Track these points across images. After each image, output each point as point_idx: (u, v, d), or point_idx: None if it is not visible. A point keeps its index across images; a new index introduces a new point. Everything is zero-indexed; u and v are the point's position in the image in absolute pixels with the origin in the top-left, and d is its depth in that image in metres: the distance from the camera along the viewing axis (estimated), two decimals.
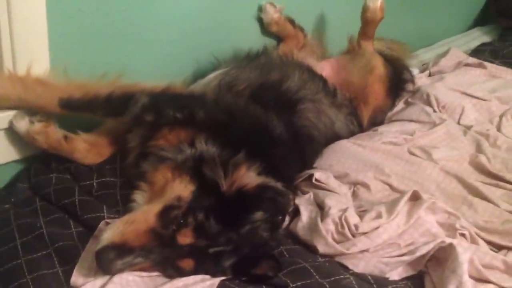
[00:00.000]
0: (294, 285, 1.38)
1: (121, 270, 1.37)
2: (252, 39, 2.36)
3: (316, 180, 1.79)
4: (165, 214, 1.43)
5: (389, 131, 2.18)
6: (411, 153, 2.02)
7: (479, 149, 2.11)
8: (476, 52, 3.03)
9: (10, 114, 1.68)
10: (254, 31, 2.41)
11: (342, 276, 1.42)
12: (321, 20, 2.66)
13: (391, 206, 1.61)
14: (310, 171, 1.84)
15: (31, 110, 1.69)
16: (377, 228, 1.54)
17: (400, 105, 2.45)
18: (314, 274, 1.42)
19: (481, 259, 1.47)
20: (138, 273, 1.40)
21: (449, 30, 3.54)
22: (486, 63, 2.75)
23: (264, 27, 2.40)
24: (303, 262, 1.47)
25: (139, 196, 1.59)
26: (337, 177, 1.86)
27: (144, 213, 1.45)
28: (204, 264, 1.42)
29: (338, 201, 1.67)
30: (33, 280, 1.39)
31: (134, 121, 1.65)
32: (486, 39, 3.37)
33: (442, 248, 1.47)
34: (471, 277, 1.41)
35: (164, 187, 1.53)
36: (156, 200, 1.51)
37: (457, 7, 3.57)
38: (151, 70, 2.06)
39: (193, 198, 1.46)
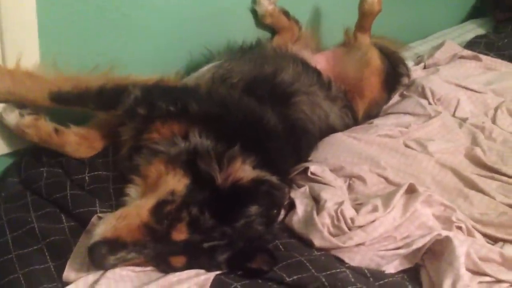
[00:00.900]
0: (290, 279, 1.37)
1: (114, 266, 1.35)
2: (246, 31, 2.33)
3: (311, 173, 1.78)
4: (158, 208, 1.41)
5: (384, 124, 2.16)
6: (407, 146, 2.01)
7: (474, 141, 2.10)
8: (471, 45, 3.01)
9: None
10: (248, 23, 2.39)
11: (338, 270, 1.41)
12: (316, 12, 2.64)
13: (387, 199, 1.60)
14: (306, 164, 1.83)
15: (21, 103, 1.66)
16: (373, 221, 1.52)
17: (395, 97, 2.43)
18: (310, 267, 1.40)
19: (477, 252, 1.46)
20: (131, 268, 1.39)
21: (444, 23, 3.53)
22: (481, 56, 2.74)
23: (258, 19, 2.37)
24: (298, 255, 1.46)
25: (132, 190, 1.57)
26: (332, 170, 1.85)
27: (137, 207, 1.43)
28: (199, 259, 1.40)
29: (334, 194, 1.65)
30: (25, 275, 1.37)
31: (126, 114, 1.63)
32: (480, 31, 3.35)
33: (438, 241, 1.46)
34: (467, 270, 1.41)
35: (157, 181, 1.51)
36: (149, 194, 1.49)
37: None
38: (144, 62, 2.02)
39: (187, 192, 1.44)
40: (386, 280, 1.41)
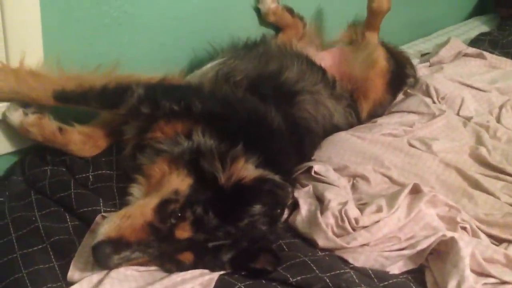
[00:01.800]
0: (293, 280, 1.37)
1: (118, 265, 1.35)
2: (250, 28, 2.32)
3: (315, 172, 1.77)
4: (162, 208, 1.40)
5: (388, 123, 2.16)
6: (411, 145, 2.00)
7: (479, 140, 2.09)
8: (475, 42, 3.01)
9: (3, 105, 1.65)
10: (252, 20, 2.38)
11: (342, 271, 1.41)
12: (321, 9, 2.62)
13: (392, 199, 1.59)
14: (309, 164, 1.82)
15: (25, 102, 1.65)
16: (377, 221, 1.52)
17: (399, 96, 2.42)
18: (314, 268, 1.40)
19: (482, 253, 1.46)
20: (135, 267, 1.38)
21: (447, 20, 3.52)
22: (485, 53, 2.73)
23: (262, 17, 2.36)
24: (302, 256, 1.46)
25: (135, 189, 1.56)
26: (336, 169, 1.84)
27: (141, 207, 1.43)
28: (203, 259, 1.40)
29: (338, 194, 1.65)
30: (29, 275, 1.37)
31: (130, 113, 1.62)
32: (484, 28, 3.35)
33: (443, 242, 1.46)
34: (472, 271, 1.41)
35: (161, 180, 1.51)
36: (153, 193, 1.48)
37: None
38: (146, 59, 2.02)
39: (190, 192, 1.43)
40: (390, 281, 1.40)
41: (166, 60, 2.07)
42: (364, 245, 1.50)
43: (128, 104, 1.60)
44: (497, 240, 1.61)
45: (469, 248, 1.42)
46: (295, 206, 1.69)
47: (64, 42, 1.75)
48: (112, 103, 1.63)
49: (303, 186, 1.77)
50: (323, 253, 1.51)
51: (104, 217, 1.49)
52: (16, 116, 1.64)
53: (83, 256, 1.42)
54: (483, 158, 1.96)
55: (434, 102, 2.32)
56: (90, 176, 1.69)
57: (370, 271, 1.43)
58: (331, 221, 1.54)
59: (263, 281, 1.39)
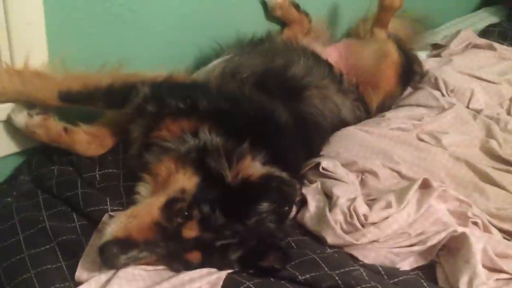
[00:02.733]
0: (302, 278, 1.36)
1: (125, 265, 1.34)
2: (256, 24, 2.31)
3: (323, 168, 1.76)
4: (169, 207, 1.39)
5: (396, 117, 2.13)
6: (420, 139, 1.98)
7: (489, 133, 2.07)
8: (485, 33, 2.97)
9: (8, 106, 1.65)
10: (258, 15, 2.36)
11: (351, 268, 1.39)
12: (327, 5, 2.60)
13: (401, 195, 1.57)
14: (317, 160, 1.81)
15: (30, 103, 1.65)
16: (386, 218, 1.50)
17: (407, 89, 2.39)
18: (323, 265, 1.39)
19: (494, 248, 1.44)
20: (143, 267, 1.38)
21: (456, 11, 3.47)
22: (495, 45, 2.70)
23: (268, 11, 2.34)
24: (311, 253, 1.44)
25: (142, 188, 1.56)
26: (344, 165, 1.82)
27: (148, 206, 1.42)
28: (211, 257, 1.39)
29: (346, 190, 1.63)
30: (37, 275, 1.37)
31: (136, 112, 1.62)
32: (493, 19, 3.30)
33: (454, 238, 1.44)
34: (484, 266, 1.39)
35: (168, 178, 1.50)
36: (160, 192, 1.48)
37: None
38: (152, 57, 2.01)
39: (197, 190, 1.42)
40: (400, 278, 1.39)
41: (171, 58, 2.06)
42: (374, 241, 1.49)
43: (134, 103, 1.59)
44: (509, 235, 1.59)
45: (480, 243, 1.40)
46: (303, 202, 1.67)
47: (68, 41, 1.74)
48: (118, 103, 1.62)
49: (311, 182, 1.75)
50: (332, 250, 1.49)
51: (111, 217, 1.49)
52: (21, 118, 1.64)
53: (90, 255, 1.41)
54: (493, 151, 1.94)
55: (443, 95, 2.29)
56: (97, 175, 1.69)
57: (380, 268, 1.42)
58: (340, 217, 1.53)
59: (272, 279, 1.38)
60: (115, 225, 1.35)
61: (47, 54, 1.67)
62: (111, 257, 1.31)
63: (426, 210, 1.54)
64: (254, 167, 1.47)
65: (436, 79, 2.36)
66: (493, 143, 1.96)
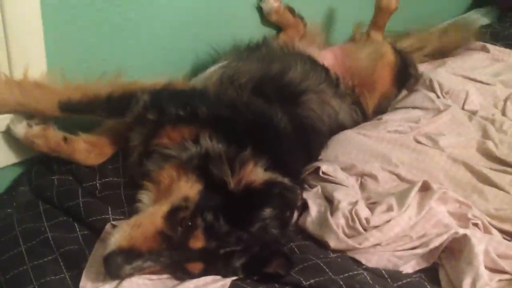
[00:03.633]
0: (307, 283, 1.36)
1: (130, 275, 1.34)
2: (252, 29, 2.31)
3: (323, 173, 1.76)
4: (172, 215, 1.39)
5: (393, 119, 2.14)
6: (417, 141, 2.00)
7: (485, 134, 2.08)
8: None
9: (7, 116, 1.64)
10: (254, 21, 2.37)
11: (355, 272, 1.40)
12: (322, 9, 2.61)
13: (401, 197, 1.58)
14: (317, 164, 1.81)
15: (29, 113, 1.64)
16: (388, 221, 1.51)
17: (403, 92, 2.41)
18: (327, 270, 1.39)
19: (496, 249, 1.45)
20: (148, 276, 1.38)
21: (447, 13, 3.49)
22: (488, 46, 2.72)
23: (264, 17, 2.35)
24: (314, 258, 1.45)
25: (144, 196, 1.55)
26: (343, 168, 1.83)
27: (151, 215, 1.42)
28: (215, 265, 1.39)
29: (347, 194, 1.64)
30: (40, 286, 1.36)
31: (136, 120, 1.62)
32: (484, 21, 3.33)
33: (455, 239, 1.45)
34: (486, 267, 1.40)
35: (170, 186, 1.50)
36: (162, 199, 1.48)
37: None
38: (150, 65, 2.01)
39: (200, 198, 1.42)
40: (404, 281, 1.40)
41: (169, 65, 2.06)
42: (376, 245, 1.50)
43: (134, 111, 1.59)
44: (509, 235, 1.60)
45: (482, 244, 1.41)
46: (304, 207, 1.68)
47: (66, 51, 1.74)
48: (118, 112, 1.62)
49: (312, 187, 1.76)
50: (335, 255, 1.50)
51: (113, 226, 1.49)
52: (20, 128, 1.63)
53: (94, 266, 1.41)
54: (490, 152, 1.96)
55: (438, 97, 2.30)
56: (98, 184, 1.68)
57: (383, 271, 1.43)
58: (342, 221, 1.54)
59: (276, 285, 1.38)
60: (119, 235, 1.35)
61: (45, 65, 1.66)
62: (116, 267, 1.30)
63: (427, 212, 1.55)
64: (256, 173, 1.47)
65: (431, 81, 2.37)
66: (490, 144, 1.98)
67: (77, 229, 1.54)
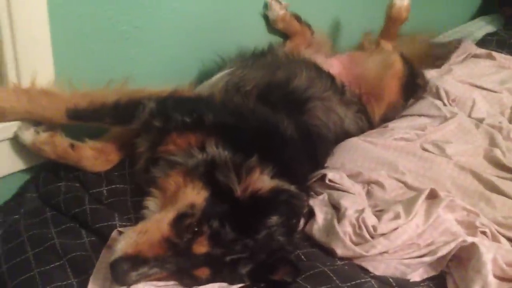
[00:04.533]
0: None
1: (136, 282, 1.33)
2: (258, 37, 2.33)
3: (329, 180, 1.76)
4: (178, 222, 1.39)
5: (399, 127, 2.14)
6: (424, 149, 1.99)
7: (492, 142, 2.08)
8: (482, 43, 2.99)
9: (14, 124, 1.65)
10: (260, 28, 2.38)
11: (362, 280, 1.39)
12: (328, 17, 2.62)
13: (409, 205, 1.58)
14: (323, 171, 1.81)
15: (37, 121, 1.65)
16: (395, 229, 1.50)
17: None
18: (334, 278, 1.38)
19: (504, 257, 1.43)
20: (154, 282, 1.37)
21: (452, 21, 3.50)
22: (494, 54, 2.72)
23: (270, 24, 2.36)
24: (321, 266, 1.44)
25: (151, 203, 1.55)
26: (350, 176, 1.83)
27: (157, 222, 1.42)
28: (221, 272, 1.38)
29: (354, 202, 1.63)
30: None
31: (143, 127, 1.62)
32: (490, 28, 3.33)
33: (464, 248, 1.44)
34: (494, 276, 1.38)
35: (176, 193, 1.50)
36: (168, 206, 1.47)
37: None
38: (156, 72, 2.03)
39: (206, 205, 1.42)
40: None
41: (175, 72, 2.07)
42: (383, 252, 1.49)
43: (141, 118, 1.60)
44: None
45: (490, 253, 1.40)
46: (310, 214, 1.67)
47: (74, 59, 1.75)
48: (125, 119, 1.63)
49: (318, 194, 1.75)
50: (342, 262, 1.49)
51: (120, 232, 1.49)
52: (28, 135, 1.65)
53: (101, 272, 1.41)
54: (497, 160, 1.95)
55: (445, 105, 2.30)
56: (104, 191, 1.69)
57: (391, 279, 1.41)
58: (349, 229, 1.53)
59: None
60: (125, 241, 1.35)
61: (53, 73, 1.68)
62: (122, 274, 1.30)
63: (434, 220, 1.54)
64: (263, 180, 1.47)
65: (437, 88, 2.37)
66: (497, 152, 1.97)
67: (84, 236, 1.54)
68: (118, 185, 1.72)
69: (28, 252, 1.47)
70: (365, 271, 1.47)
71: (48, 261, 1.44)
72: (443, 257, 1.45)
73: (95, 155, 1.72)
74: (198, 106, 1.66)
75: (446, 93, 2.34)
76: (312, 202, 1.70)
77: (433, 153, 1.96)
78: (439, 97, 2.34)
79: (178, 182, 1.51)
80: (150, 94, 1.67)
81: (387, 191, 1.77)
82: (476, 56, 2.72)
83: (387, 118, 2.24)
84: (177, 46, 2.08)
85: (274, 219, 1.42)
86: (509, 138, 2.11)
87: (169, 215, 1.42)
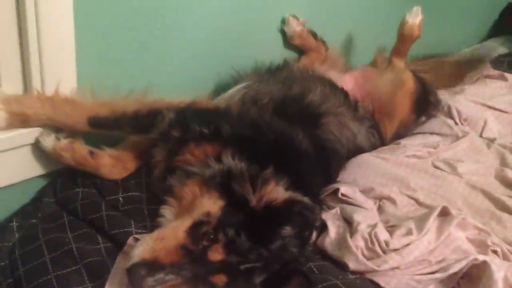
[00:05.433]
0: None
1: (152, 287, 1.35)
2: (274, 52, 2.36)
3: (342, 194, 1.78)
4: (194, 230, 1.41)
5: (411, 144, 2.17)
6: (436, 167, 2.01)
7: (503, 162, 2.10)
8: (494, 63, 3.01)
9: (36, 129, 1.69)
10: (276, 43, 2.41)
11: None
12: (343, 34, 2.66)
13: (421, 222, 1.59)
14: (336, 185, 1.83)
15: (59, 128, 1.69)
16: (408, 244, 1.52)
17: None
18: None
19: None
20: None
21: (465, 41, 3.53)
22: (506, 75, 2.74)
23: (287, 40, 2.40)
24: (333, 279, 1.46)
25: (167, 211, 1.58)
26: (362, 191, 1.85)
27: (173, 229, 1.44)
28: (235, 281, 1.40)
29: (367, 217, 1.65)
30: None
31: (161, 137, 1.65)
32: (502, 50, 3.36)
33: (475, 266, 1.45)
34: None
35: (192, 202, 1.52)
36: (184, 215, 1.50)
37: (472, 18, 3.56)
38: (174, 83, 2.06)
39: (222, 214, 1.44)
40: None
41: (192, 84, 2.11)
42: (395, 268, 1.50)
43: (160, 128, 1.64)
44: None
45: (501, 271, 1.41)
46: (323, 228, 1.69)
47: (96, 68, 1.79)
48: (144, 128, 1.66)
49: (330, 208, 1.77)
50: (354, 276, 1.50)
51: (136, 239, 1.51)
52: (49, 141, 1.68)
53: (116, 278, 1.43)
54: (509, 180, 1.97)
55: (456, 124, 2.33)
56: (120, 198, 1.71)
57: None
58: (361, 243, 1.55)
59: None
60: (143, 247, 1.37)
61: (76, 81, 1.72)
62: (139, 279, 1.32)
63: (446, 237, 1.56)
64: (277, 191, 1.50)
65: (449, 107, 2.40)
66: (508, 172, 1.98)
67: (100, 241, 1.57)
68: (134, 193, 1.74)
69: (45, 256, 1.50)
70: (377, 285, 1.48)
71: (65, 265, 1.47)
72: (455, 274, 1.46)
73: (113, 163, 1.75)
74: (216, 117, 1.69)
75: (458, 112, 2.37)
76: (324, 215, 1.72)
77: (444, 171, 1.98)
78: (451, 116, 2.37)
79: (194, 192, 1.53)
80: (169, 105, 1.71)
81: (398, 207, 1.79)
82: (488, 76, 2.74)
83: (399, 135, 2.26)
84: (195, 58, 2.12)
85: (288, 230, 1.44)
86: None
87: (186, 222, 1.44)
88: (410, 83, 2.25)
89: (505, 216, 1.77)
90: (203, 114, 1.72)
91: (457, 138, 2.20)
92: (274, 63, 2.25)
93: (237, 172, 1.53)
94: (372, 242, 1.54)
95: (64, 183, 1.76)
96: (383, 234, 1.55)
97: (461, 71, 2.74)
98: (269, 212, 1.46)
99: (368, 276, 1.51)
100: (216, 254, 1.38)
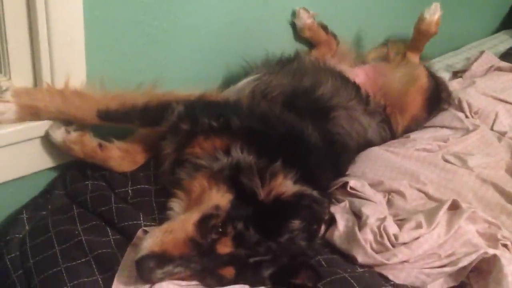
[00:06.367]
0: None
1: (161, 279, 1.36)
2: (284, 45, 2.34)
3: (351, 188, 1.77)
4: (203, 223, 1.42)
5: (421, 138, 2.15)
6: (446, 160, 1.99)
7: None
8: (505, 56, 2.99)
9: (45, 122, 1.70)
10: (287, 36, 2.40)
11: (382, 287, 1.40)
12: (354, 27, 2.64)
13: (430, 215, 1.58)
14: (345, 179, 1.82)
15: (69, 121, 1.70)
16: (417, 238, 1.51)
17: None
18: (355, 284, 1.39)
19: None
20: (177, 282, 1.40)
21: (476, 34, 3.50)
22: None
23: (297, 32, 2.39)
24: (342, 272, 1.45)
25: (176, 204, 1.58)
26: (371, 184, 1.83)
27: (182, 222, 1.45)
28: (244, 274, 1.41)
29: (376, 210, 1.65)
30: None
31: (170, 130, 1.66)
32: None
33: (485, 259, 1.44)
34: None
35: (201, 195, 1.53)
36: (193, 208, 1.50)
37: (483, 10, 3.53)
38: (183, 75, 2.06)
39: (231, 207, 1.45)
40: None
41: (201, 76, 2.11)
42: (404, 261, 1.49)
43: (169, 121, 1.64)
44: None
45: (511, 265, 1.40)
46: (331, 221, 1.69)
47: (106, 61, 1.80)
48: (154, 121, 1.67)
49: (339, 201, 1.77)
50: (363, 269, 1.50)
51: (145, 232, 1.52)
52: (59, 134, 1.69)
53: (126, 269, 1.44)
54: None
55: (467, 117, 2.30)
56: (129, 191, 1.72)
57: None
58: (370, 237, 1.54)
59: None
60: (152, 239, 1.38)
61: (85, 74, 1.72)
62: (148, 271, 1.33)
63: (456, 231, 1.55)
64: (286, 185, 1.49)
65: (460, 100, 2.38)
66: None
67: (109, 234, 1.57)
68: (143, 186, 1.75)
69: (55, 248, 1.51)
70: (385, 279, 1.48)
71: (75, 257, 1.48)
72: (464, 268, 1.45)
73: (122, 156, 1.76)
74: (225, 110, 1.69)
75: (469, 105, 2.34)
76: (333, 209, 1.71)
77: (455, 164, 1.96)
78: (461, 109, 2.34)
79: (203, 185, 1.54)
80: (178, 98, 1.71)
81: (408, 201, 1.78)
82: (499, 69, 2.72)
83: (409, 130, 2.24)
84: (204, 50, 2.11)
85: (296, 223, 1.44)
86: None
87: (194, 215, 1.45)
88: (423, 79, 2.23)
89: None
90: (212, 107, 1.72)
91: (468, 131, 2.18)
92: (285, 55, 2.23)
93: (245, 166, 1.53)
94: (381, 236, 1.53)
95: (73, 175, 1.78)
96: (392, 228, 1.55)
97: None
98: (278, 206, 1.46)
99: (377, 269, 1.51)
100: (224, 247, 1.39)
